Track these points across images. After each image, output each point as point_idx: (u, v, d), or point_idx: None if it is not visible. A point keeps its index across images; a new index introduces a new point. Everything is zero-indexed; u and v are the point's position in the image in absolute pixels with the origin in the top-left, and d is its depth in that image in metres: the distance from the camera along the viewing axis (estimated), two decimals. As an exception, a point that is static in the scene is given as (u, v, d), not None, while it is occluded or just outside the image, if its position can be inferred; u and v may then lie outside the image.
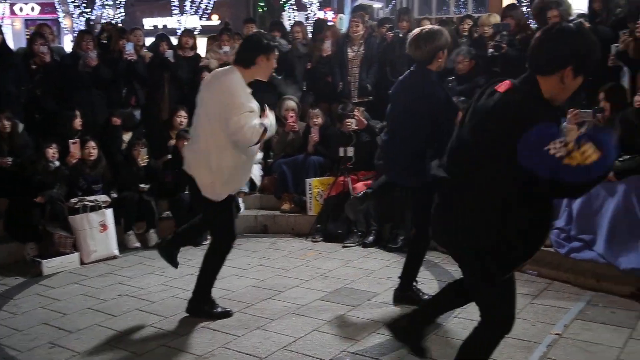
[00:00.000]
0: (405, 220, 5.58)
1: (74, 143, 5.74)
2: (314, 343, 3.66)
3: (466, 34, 7.06)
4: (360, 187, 5.74)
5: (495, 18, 6.61)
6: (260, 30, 3.90)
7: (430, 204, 2.66)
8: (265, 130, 3.77)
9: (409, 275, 4.16)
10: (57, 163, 5.76)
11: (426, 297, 4.13)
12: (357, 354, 3.50)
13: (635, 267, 4.15)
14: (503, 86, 2.34)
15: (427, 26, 4.15)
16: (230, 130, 3.68)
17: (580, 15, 5.65)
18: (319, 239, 5.99)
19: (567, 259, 4.53)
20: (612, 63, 5.36)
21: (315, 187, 6.28)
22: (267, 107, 3.90)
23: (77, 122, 6.20)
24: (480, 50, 6.37)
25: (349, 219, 5.75)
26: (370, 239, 5.78)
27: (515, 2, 11.48)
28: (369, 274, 4.91)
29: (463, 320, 3.87)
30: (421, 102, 3.81)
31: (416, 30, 3.97)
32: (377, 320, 3.95)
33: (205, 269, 4.10)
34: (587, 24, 5.30)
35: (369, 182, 5.86)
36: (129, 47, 6.95)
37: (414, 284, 4.20)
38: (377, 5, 22.41)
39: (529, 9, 8.73)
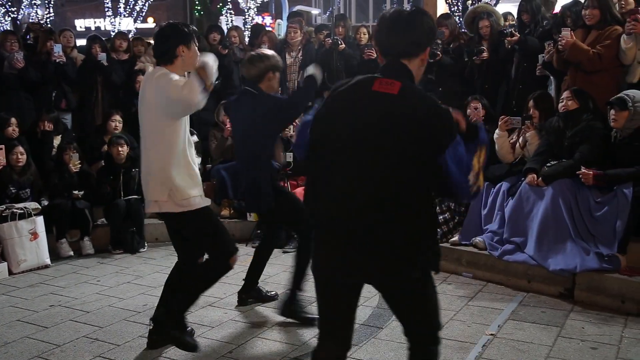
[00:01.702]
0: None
1: None
2: (255, 349, 3.64)
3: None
4: (300, 192, 5.75)
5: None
6: (171, 21, 3.60)
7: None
8: (203, 67, 3.24)
9: (254, 278, 4.36)
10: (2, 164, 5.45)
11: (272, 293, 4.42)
12: (298, 359, 3.50)
13: (563, 268, 4.33)
14: (388, 86, 2.12)
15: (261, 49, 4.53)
16: (174, 99, 3.20)
17: (511, 26, 5.87)
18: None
19: (501, 261, 4.69)
20: (540, 73, 5.62)
21: (255, 192, 6.23)
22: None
23: (10, 130, 5.94)
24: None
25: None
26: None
27: (449, 11, 11.83)
28: (310, 279, 4.90)
29: (402, 323, 3.93)
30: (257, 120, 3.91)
31: (249, 53, 4.26)
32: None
33: (190, 289, 3.61)
34: (516, 34, 5.55)
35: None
36: (57, 49, 6.73)
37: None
38: (314, 11, 22.58)
39: (461, 19, 9.01)
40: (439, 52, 6.07)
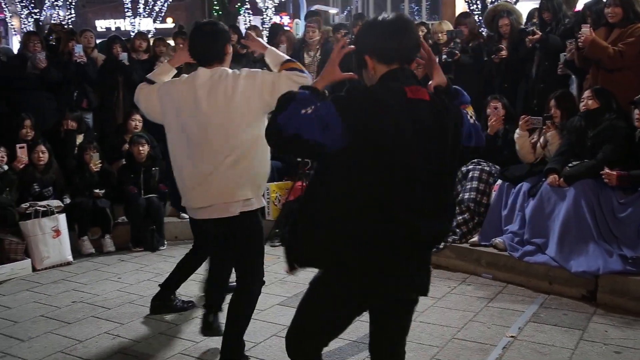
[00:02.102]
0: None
1: (21, 147, 5.53)
2: (274, 348, 3.64)
3: (421, 41, 7.17)
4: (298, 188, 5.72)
5: (447, 25, 6.74)
6: (197, 21, 3.58)
7: None
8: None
9: (173, 286, 4.24)
10: (5, 167, 5.53)
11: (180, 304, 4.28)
12: None
13: (585, 270, 4.26)
14: (420, 92, 2.06)
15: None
16: (280, 88, 2.95)
17: (532, 24, 5.80)
18: (278, 244, 5.96)
19: (521, 262, 4.63)
20: (561, 71, 5.55)
21: (274, 191, 6.25)
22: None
23: (24, 132, 5.99)
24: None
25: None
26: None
27: (468, 10, 11.74)
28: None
29: (421, 324, 3.91)
30: None
31: None
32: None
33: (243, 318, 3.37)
34: (538, 33, 5.49)
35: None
36: (78, 49, 6.79)
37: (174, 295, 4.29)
38: (332, 11, 22.56)
39: (480, 18, 8.94)
40: (457, 52, 6.03)
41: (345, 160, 1.97)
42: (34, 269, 5.32)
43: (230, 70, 3.20)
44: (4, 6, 19.53)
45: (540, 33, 5.52)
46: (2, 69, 6.55)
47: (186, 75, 3.28)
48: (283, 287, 4.71)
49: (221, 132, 3.11)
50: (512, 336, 3.74)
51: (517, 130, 5.15)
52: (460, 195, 5.21)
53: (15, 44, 17.02)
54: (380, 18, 2.14)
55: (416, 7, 19.51)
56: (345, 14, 21.49)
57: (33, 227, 5.36)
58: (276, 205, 6.23)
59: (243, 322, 3.33)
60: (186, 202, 3.32)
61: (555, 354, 3.50)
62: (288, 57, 3.31)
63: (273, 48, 3.40)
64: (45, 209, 5.45)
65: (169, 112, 3.27)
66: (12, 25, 20.24)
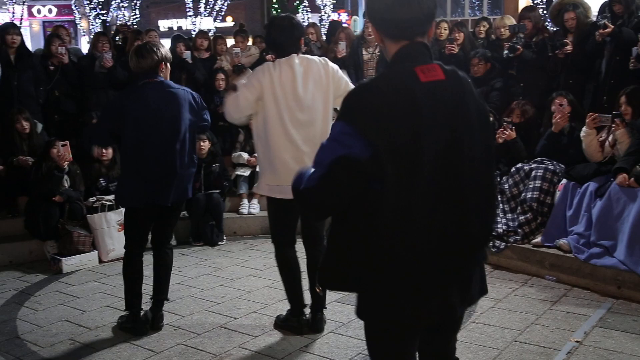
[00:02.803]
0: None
1: (63, 145, 5.60)
2: (331, 345, 3.65)
3: (482, 36, 7.03)
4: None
5: (510, 20, 6.58)
6: (273, 16, 3.84)
7: None
8: None
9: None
10: (66, 164, 5.65)
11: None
12: None
13: (657, 273, 4.08)
14: (433, 72, 1.82)
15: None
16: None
17: (604, 17, 5.56)
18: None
19: (587, 265, 4.46)
20: (633, 66, 5.29)
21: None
22: None
23: None
24: (497, 53, 6.33)
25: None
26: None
27: (532, 4, 11.40)
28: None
29: (480, 326, 3.84)
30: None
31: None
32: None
33: None
34: (610, 26, 5.26)
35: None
36: None
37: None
38: (391, 7, 22.32)
39: (545, 12, 8.66)
40: (519, 46, 5.86)
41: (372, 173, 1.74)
42: (100, 261, 5.52)
43: (317, 58, 3.61)
44: (74, 8, 20.31)
45: (613, 26, 5.29)
46: (73, 69, 6.80)
47: (275, 62, 3.54)
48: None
49: (319, 115, 3.53)
50: (577, 341, 3.61)
51: (584, 128, 4.96)
52: (523, 194, 5.07)
53: (83, 45, 17.69)
54: None
55: (477, 2, 19.09)
56: (403, 10, 21.23)
57: (99, 220, 5.56)
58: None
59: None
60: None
61: (623, 361, 3.37)
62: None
63: None
64: (111, 203, 5.63)
65: (267, 98, 3.49)
66: (80, 26, 21.04)
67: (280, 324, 3.92)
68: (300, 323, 3.82)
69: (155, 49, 3.73)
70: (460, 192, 1.82)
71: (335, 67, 3.65)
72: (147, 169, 3.70)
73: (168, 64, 3.83)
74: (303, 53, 3.68)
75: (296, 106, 3.51)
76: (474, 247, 1.91)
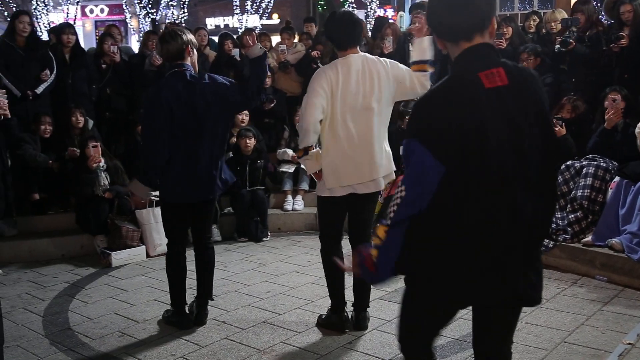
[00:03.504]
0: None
1: (94, 146, 5.72)
2: (374, 342, 3.64)
3: (532, 30, 6.87)
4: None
5: (562, 14, 6.41)
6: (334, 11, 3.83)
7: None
8: None
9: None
10: (102, 161, 5.81)
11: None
12: None
13: None
14: (496, 77, 1.85)
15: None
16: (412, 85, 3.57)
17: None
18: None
19: (640, 265, 4.33)
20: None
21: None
22: None
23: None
24: (547, 48, 6.18)
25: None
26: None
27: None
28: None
29: (528, 325, 3.76)
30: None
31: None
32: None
33: None
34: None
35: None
36: None
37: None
38: (437, 2, 22.06)
39: (599, 5, 8.41)
40: (572, 40, 5.71)
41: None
42: (148, 255, 5.66)
43: (375, 57, 3.61)
44: (125, 8, 20.86)
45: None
46: (124, 67, 6.96)
47: (332, 64, 3.56)
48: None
49: (376, 113, 3.54)
50: (629, 343, 3.50)
51: (639, 125, 4.80)
52: (573, 192, 4.94)
53: (133, 43, 18.12)
54: None
55: (527, -5, 18.67)
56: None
57: (147, 215, 5.69)
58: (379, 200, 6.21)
59: None
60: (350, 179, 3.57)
61: (678, 365, 3.25)
62: (424, 59, 3.55)
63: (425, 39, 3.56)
64: (158, 198, 5.74)
65: (330, 101, 3.51)
66: (131, 25, 21.59)
67: (322, 322, 3.93)
68: (342, 320, 3.82)
69: (179, 33, 3.74)
70: (526, 189, 1.86)
71: (391, 61, 3.62)
72: (181, 163, 3.70)
73: (194, 49, 3.80)
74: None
75: (355, 104, 3.49)
76: (533, 235, 1.94)
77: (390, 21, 9.30)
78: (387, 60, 3.60)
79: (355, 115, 3.50)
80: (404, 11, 18.90)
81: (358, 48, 3.59)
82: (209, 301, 4.09)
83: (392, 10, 22.17)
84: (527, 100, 1.89)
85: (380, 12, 19.20)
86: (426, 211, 1.84)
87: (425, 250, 1.93)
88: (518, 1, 18.58)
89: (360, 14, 18.68)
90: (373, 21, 12.08)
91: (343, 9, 3.84)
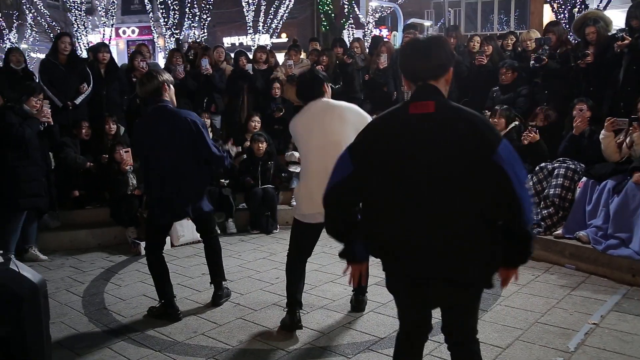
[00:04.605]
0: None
1: (126, 151, 5.74)
2: (371, 322, 3.65)
3: (510, 48, 6.87)
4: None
5: (535, 33, 6.40)
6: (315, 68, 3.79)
7: None
8: None
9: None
10: (128, 168, 5.81)
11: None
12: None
13: (670, 264, 3.90)
14: (424, 106, 1.94)
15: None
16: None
17: (621, 30, 5.35)
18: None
19: (604, 255, 4.31)
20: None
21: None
22: None
23: None
24: (523, 63, 6.18)
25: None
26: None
27: (555, 19, 11.04)
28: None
29: (506, 308, 3.76)
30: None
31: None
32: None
33: None
34: (628, 38, 5.06)
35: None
36: (204, 63, 7.11)
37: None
38: (427, 23, 22.05)
39: (567, 26, 8.39)
40: (544, 57, 5.71)
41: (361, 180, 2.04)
42: (172, 245, 5.67)
43: (339, 103, 3.45)
44: (152, 29, 20.87)
45: (630, 38, 5.08)
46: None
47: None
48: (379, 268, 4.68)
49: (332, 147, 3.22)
50: (594, 323, 3.50)
51: (603, 131, 4.79)
52: (546, 190, 4.93)
53: (160, 60, 18.13)
54: (410, 42, 2.08)
55: (505, 18, 18.60)
56: (438, 25, 20.94)
57: (172, 210, 5.69)
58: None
59: None
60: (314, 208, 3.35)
61: (638, 342, 3.23)
62: None
63: None
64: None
65: (297, 138, 3.55)
66: (158, 44, 21.59)
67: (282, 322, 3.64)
68: (294, 320, 3.55)
69: (155, 75, 3.73)
70: (411, 203, 1.97)
71: (352, 106, 3.45)
72: (155, 188, 3.73)
73: (171, 85, 3.76)
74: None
75: (315, 141, 3.38)
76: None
77: (385, 40, 9.28)
78: (343, 105, 3.41)
79: (315, 149, 3.38)
80: (397, 31, 18.87)
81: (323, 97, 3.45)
82: (222, 284, 4.08)
83: (387, 30, 22.14)
84: (446, 130, 1.90)
85: (376, 32, 19.16)
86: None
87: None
88: (497, 22, 18.56)
89: (358, 33, 18.67)
90: (370, 40, 12.04)
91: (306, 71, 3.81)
